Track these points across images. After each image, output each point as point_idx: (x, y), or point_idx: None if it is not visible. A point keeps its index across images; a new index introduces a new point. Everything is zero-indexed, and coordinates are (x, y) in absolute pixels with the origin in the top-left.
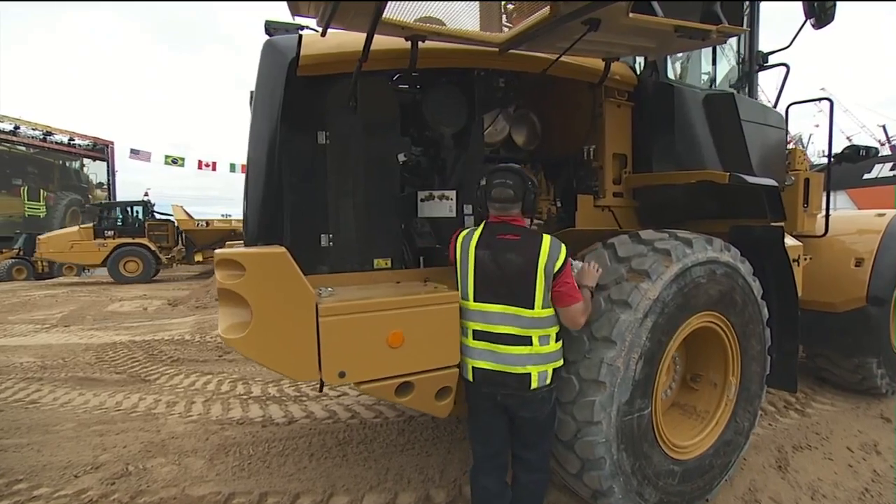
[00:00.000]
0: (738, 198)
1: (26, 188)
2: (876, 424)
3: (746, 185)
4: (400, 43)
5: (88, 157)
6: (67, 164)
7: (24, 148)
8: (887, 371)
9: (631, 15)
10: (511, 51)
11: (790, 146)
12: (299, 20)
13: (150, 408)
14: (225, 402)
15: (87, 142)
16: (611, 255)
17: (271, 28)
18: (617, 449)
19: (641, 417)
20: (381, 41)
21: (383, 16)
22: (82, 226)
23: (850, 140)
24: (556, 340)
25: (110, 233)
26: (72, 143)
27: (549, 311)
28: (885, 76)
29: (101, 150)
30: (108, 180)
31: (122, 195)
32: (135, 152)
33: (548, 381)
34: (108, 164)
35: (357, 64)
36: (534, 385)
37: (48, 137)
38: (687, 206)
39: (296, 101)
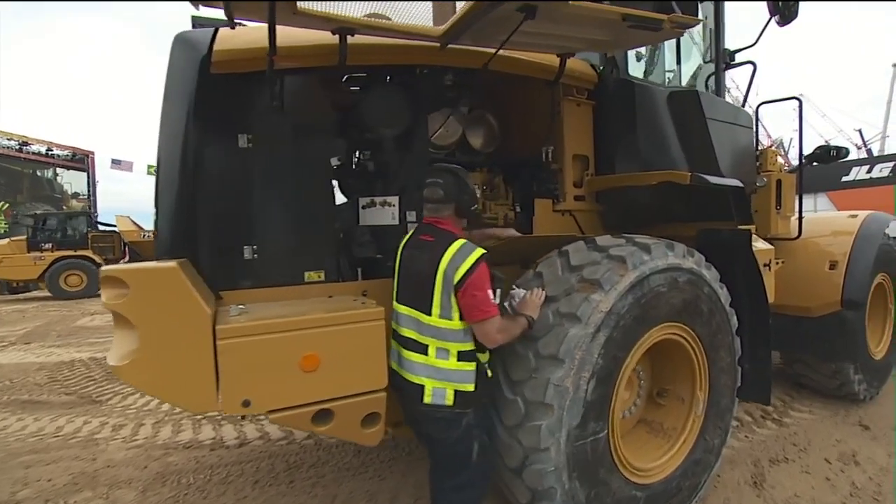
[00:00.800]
0: (703, 200)
1: None
2: (854, 432)
3: (710, 186)
4: (331, 38)
5: (66, 167)
6: (39, 173)
7: None
8: (865, 376)
9: (572, 2)
10: (453, 46)
11: (771, 148)
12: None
13: (94, 432)
14: (176, 424)
15: (65, 152)
16: (563, 263)
17: (198, 24)
18: (569, 477)
19: (596, 441)
20: (311, 36)
21: (299, 6)
22: (13, 238)
23: (827, 143)
24: (463, 360)
25: (48, 245)
26: (49, 153)
27: (453, 325)
28: (863, 79)
29: (80, 160)
30: (89, 191)
31: (102, 206)
32: (116, 162)
33: (447, 402)
34: (88, 174)
35: (268, 59)
36: (426, 399)
37: (24, 148)
38: (652, 209)
39: (212, 100)
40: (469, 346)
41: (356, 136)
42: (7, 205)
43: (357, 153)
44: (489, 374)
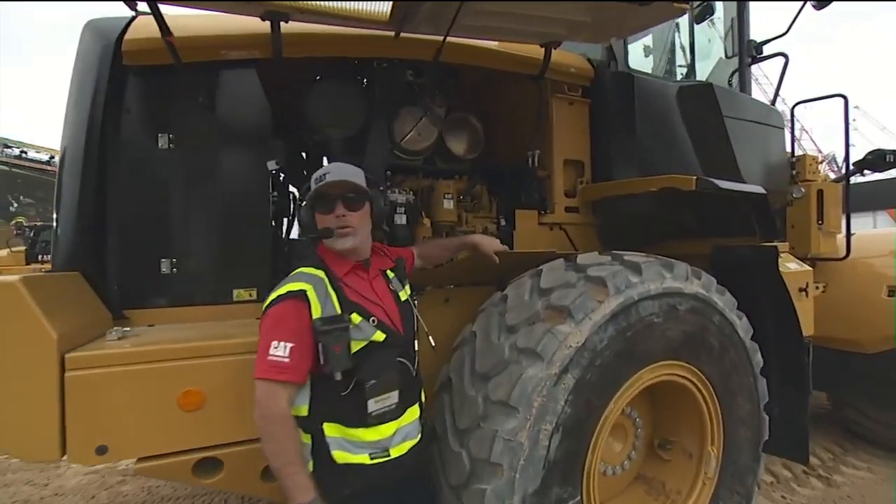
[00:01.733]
0: (718, 210)
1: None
2: None
3: (721, 193)
4: (267, 26)
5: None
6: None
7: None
8: None
9: None
10: (410, 35)
11: (808, 154)
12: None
13: None
14: None
15: None
16: (533, 285)
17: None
18: None
19: None
20: (245, 24)
21: None
22: (13, 249)
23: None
24: (301, 427)
25: (47, 257)
26: (52, 160)
27: None
28: None
29: None
30: None
31: None
32: None
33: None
34: None
35: (166, 44)
36: None
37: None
38: (656, 222)
39: (125, 95)
40: (302, 411)
41: (300, 138)
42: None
43: (304, 156)
44: (350, 458)
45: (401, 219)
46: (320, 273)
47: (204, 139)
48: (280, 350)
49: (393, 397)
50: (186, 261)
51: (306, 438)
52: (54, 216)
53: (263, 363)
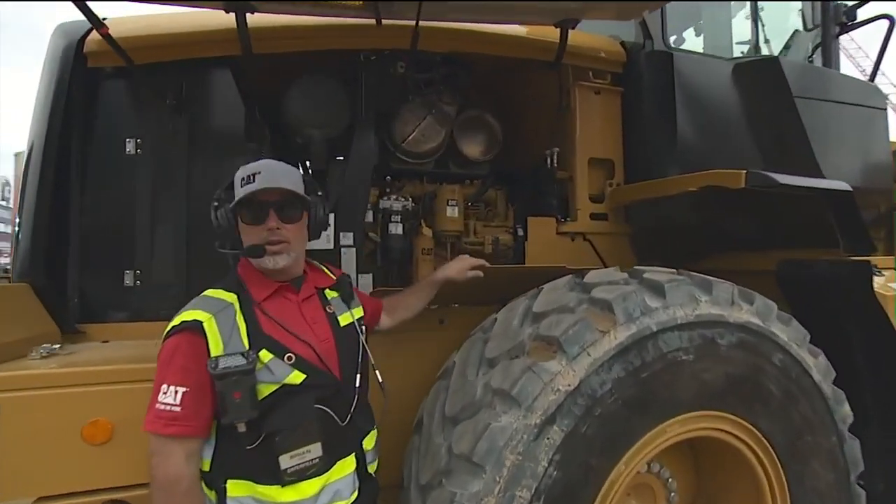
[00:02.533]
0: (785, 215)
1: None
2: None
3: (781, 190)
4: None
5: None
6: None
7: None
8: None
9: None
10: (393, 22)
11: None
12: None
13: None
14: None
15: None
16: (527, 308)
17: None
18: None
19: None
20: (215, 19)
21: None
22: None
23: None
24: (210, 457)
25: None
26: None
27: None
28: None
29: None
30: None
31: None
32: None
33: None
34: None
35: (105, 38)
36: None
37: None
38: (701, 230)
39: (90, 99)
40: (204, 465)
41: (279, 141)
42: None
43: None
44: None
45: (396, 228)
46: (230, 297)
47: (173, 144)
48: (170, 396)
49: (314, 451)
50: (151, 273)
51: (211, 495)
52: (16, 223)
53: (152, 412)
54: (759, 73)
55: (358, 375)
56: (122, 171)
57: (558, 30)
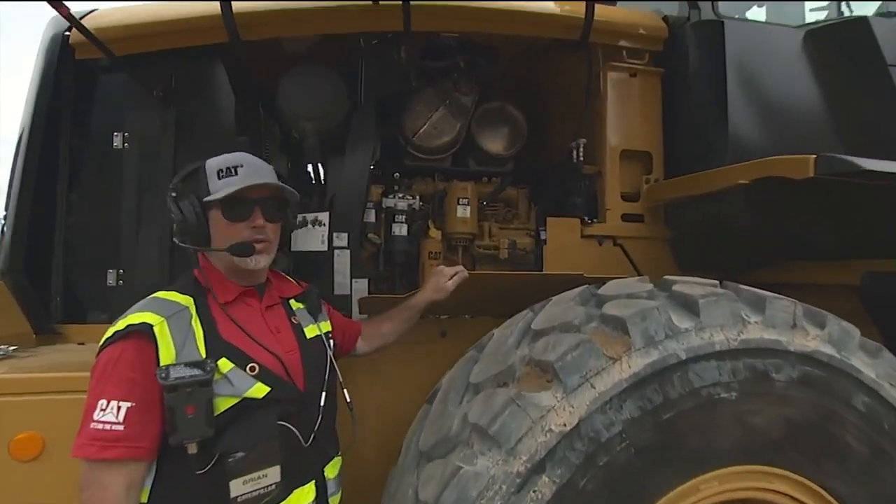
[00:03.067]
0: (869, 212)
1: None
2: None
3: (868, 180)
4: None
5: None
6: None
7: None
8: None
9: None
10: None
11: None
12: None
13: None
14: None
15: None
16: (527, 324)
17: None
18: None
19: None
20: (202, 5)
21: None
22: None
23: None
24: (150, 485)
25: None
26: None
27: None
28: None
29: None
30: None
31: None
32: None
33: None
34: None
35: (67, 19)
36: None
37: None
38: (760, 233)
39: (80, 91)
40: (143, 494)
41: (274, 134)
42: None
43: (287, 158)
44: None
45: (400, 229)
46: (185, 300)
47: (160, 138)
48: (110, 413)
49: (271, 475)
50: (135, 273)
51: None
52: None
53: (84, 433)
54: (840, 38)
55: (323, 393)
56: (109, 166)
57: (584, 3)
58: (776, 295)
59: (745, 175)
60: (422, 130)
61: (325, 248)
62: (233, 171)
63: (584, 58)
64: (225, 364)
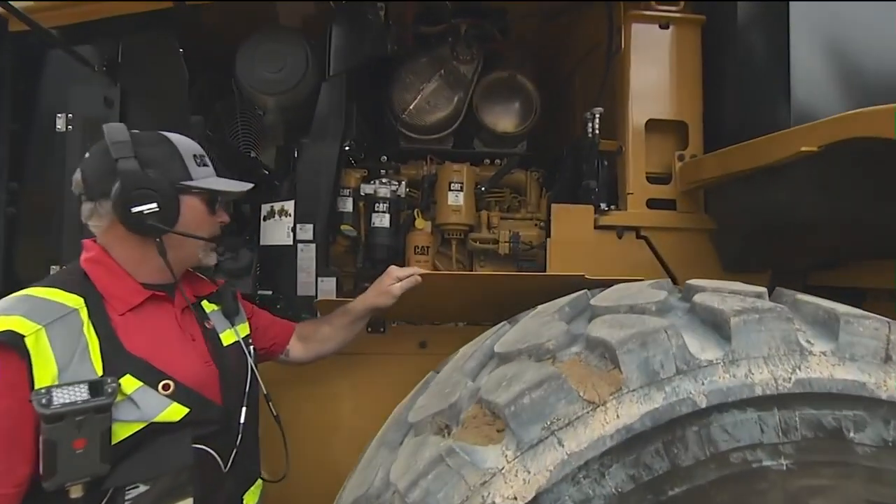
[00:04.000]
0: None
1: None
2: None
3: None
4: None
5: None
6: None
7: None
8: None
9: None
10: None
11: None
12: None
13: None
14: None
15: None
16: (492, 343)
17: None
18: None
19: None
20: None
21: None
22: None
23: None
24: None
25: None
26: None
27: None
28: None
29: None
30: None
31: None
32: None
33: None
34: None
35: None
36: None
37: None
38: (831, 221)
39: (20, 68)
40: None
41: (245, 112)
42: None
43: (247, 135)
44: None
45: (381, 220)
46: (74, 300)
47: (105, 119)
48: None
49: None
50: None
51: None
52: None
53: None
54: None
55: (244, 409)
56: (52, 151)
57: None
58: (857, 311)
59: (811, 140)
60: (412, 105)
61: (289, 241)
62: (205, 160)
63: (604, 8)
64: (130, 382)
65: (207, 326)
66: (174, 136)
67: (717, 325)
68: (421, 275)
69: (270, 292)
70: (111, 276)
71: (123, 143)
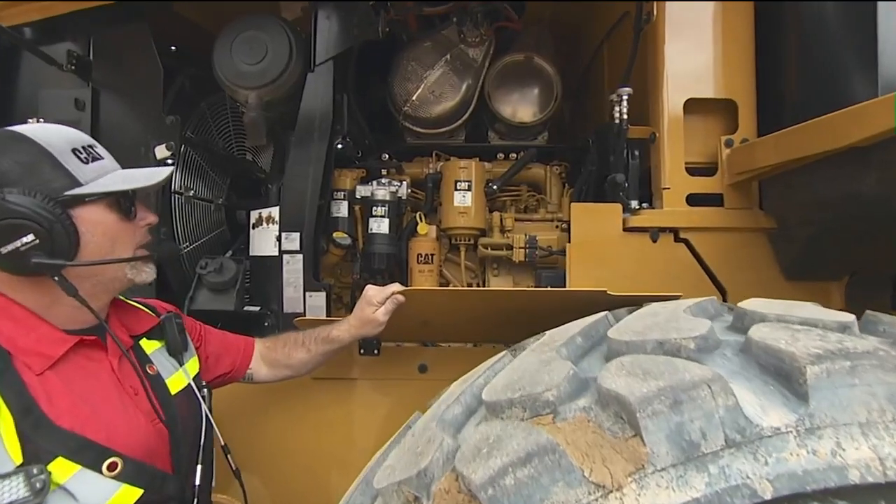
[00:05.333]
0: None
1: None
2: None
3: None
4: None
5: None
6: None
7: None
8: None
9: None
10: None
11: None
12: None
13: None
14: None
15: None
16: (478, 387)
17: None
18: None
19: None
20: None
21: None
22: None
23: None
24: None
25: None
26: None
27: None
28: None
29: None
30: None
31: None
32: None
33: None
34: None
35: None
36: None
37: None
38: None
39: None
40: None
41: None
42: None
43: (240, 134)
44: None
45: (379, 224)
46: None
47: (80, 123)
48: None
49: None
50: None
51: None
52: None
53: None
54: None
55: (199, 466)
56: None
57: None
58: None
59: None
60: (415, 96)
61: (274, 251)
62: (93, 152)
63: None
64: (63, 467)
65: (150, 372)
66: (37, 130)
67: (785, 375)
68: (403, 292)
69: (258, 308)
70: (19, 327)
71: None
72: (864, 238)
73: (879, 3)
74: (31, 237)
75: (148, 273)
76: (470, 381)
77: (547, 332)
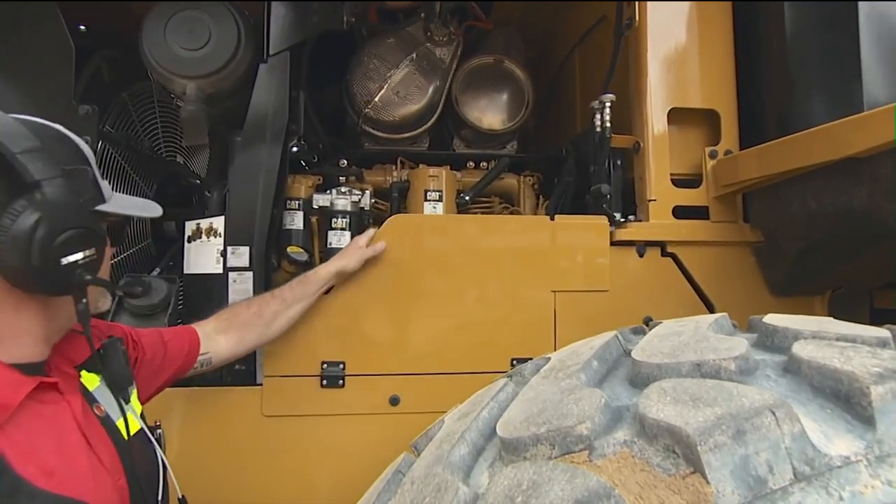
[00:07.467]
0: None
1: None
2: None
3: None
4: None
5: None
6: None
7: None
8: None
9: None
10: None
11: None
12: None
13: None
14: None
15: None
16: (486, 423)
17: None
18: None
19: None
20: None
21: None
22: None
23: None
24: None
25: None
26: None
27: None
28: None
29: None
30: None
31: None
32: None
33: None
34: None
35: None
36: None
37: None
38: None
39: None
40: None
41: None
42: None
43: (169, 132)
44: None
45: (339, 238)
46: None
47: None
48: None
49: None
50: None
51: None
52: None
53: None
54: None
55: None
56: None
57: None
58: None
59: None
60: (378, 97)
61: (219, 269)
62: (83, 159)
63: None
64: None
65: (98, 414)
66: (63, 130)
67: (844, 398)
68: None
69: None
70: None
71: (33, 146)
72: (852, 253)
73: (861, 4)
74: (92, 251)
75: (107, 301)
76: (472, 416)
77: (552, 356)
